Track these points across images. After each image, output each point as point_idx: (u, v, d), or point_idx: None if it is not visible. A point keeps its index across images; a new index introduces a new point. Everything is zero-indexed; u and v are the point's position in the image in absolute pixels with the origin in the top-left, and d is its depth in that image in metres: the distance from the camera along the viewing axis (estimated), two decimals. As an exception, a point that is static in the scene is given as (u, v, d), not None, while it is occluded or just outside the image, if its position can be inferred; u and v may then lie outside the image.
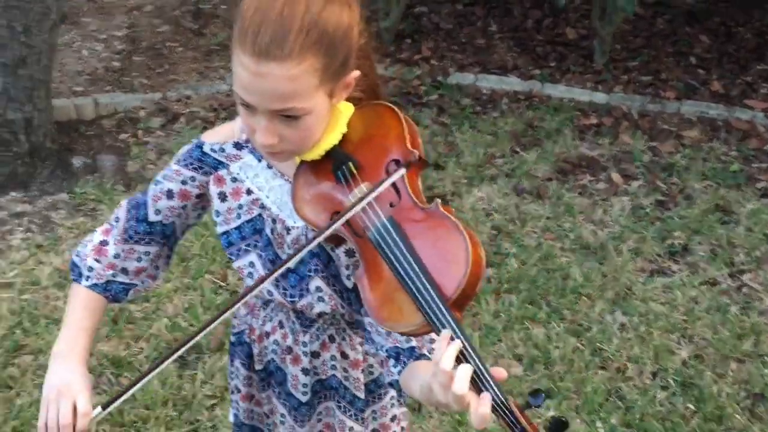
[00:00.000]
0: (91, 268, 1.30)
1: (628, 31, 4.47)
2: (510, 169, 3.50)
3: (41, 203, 3.26)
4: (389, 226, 1.06)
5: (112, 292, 1.32)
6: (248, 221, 1.28)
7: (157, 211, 1.31)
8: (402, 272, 1.02)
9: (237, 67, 1.05)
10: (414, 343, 1.16)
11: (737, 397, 2.43)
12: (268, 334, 1.39)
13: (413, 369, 1.13)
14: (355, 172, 1.13)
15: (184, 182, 1.30)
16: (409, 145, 1.11)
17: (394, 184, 1.09)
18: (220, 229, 1.31)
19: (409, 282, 1.01)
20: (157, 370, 1.17)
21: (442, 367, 0.95)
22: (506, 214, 3.20)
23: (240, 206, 1.28)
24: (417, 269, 1.01)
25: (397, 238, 1.05)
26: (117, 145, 3.66)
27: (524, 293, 2.79)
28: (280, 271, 1.14)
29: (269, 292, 1.29)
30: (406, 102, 3.98)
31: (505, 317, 2.70)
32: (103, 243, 1.32)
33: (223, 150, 1.28)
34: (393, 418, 1.45)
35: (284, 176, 1.25)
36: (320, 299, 1.26)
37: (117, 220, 1.34)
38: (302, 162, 1.18)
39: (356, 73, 1.12)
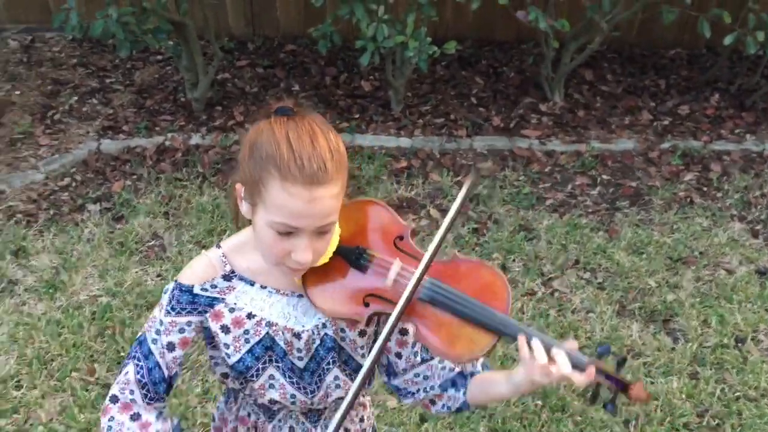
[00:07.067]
0: None
1: (415, 79, 5.01)
2: (342, 219, 3.81)
3: None
4: (436, 283, 1.30)
5: None
6: (258, 342, 1.35)
7: (167, 366, 1.34)
8: (464, 311, 1.27)
9: (282, 199, 1.17)
10: (458, 368, 1.42)
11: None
12: None
13: (484, 382, 1.40)
14: (375, 257, 1.32)
15: (182, 330, 1.33)
16: (403, 222, 1.36)
17: (409, 252, 1.32)
18: (232, 359, 1.36)
19: (473, 315, 1.27)
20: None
21: (540, 363, 1.22)
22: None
23: (246, 331, 1.34)
24: (475, 303, 1.27)
25: (448, 288, 1.29)
26: (-66, 254, 3.44)
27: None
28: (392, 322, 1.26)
29: (292, 396, 1.41)
30: (230, 168, 4.16)
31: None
32: (139, 419, 1.34)
33: (215, 286, 1.32)
34: None
35: (279, 291, 1.35)
36: (337, 386, 1.41)
37: (132, 393, 1.34)
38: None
39: None
